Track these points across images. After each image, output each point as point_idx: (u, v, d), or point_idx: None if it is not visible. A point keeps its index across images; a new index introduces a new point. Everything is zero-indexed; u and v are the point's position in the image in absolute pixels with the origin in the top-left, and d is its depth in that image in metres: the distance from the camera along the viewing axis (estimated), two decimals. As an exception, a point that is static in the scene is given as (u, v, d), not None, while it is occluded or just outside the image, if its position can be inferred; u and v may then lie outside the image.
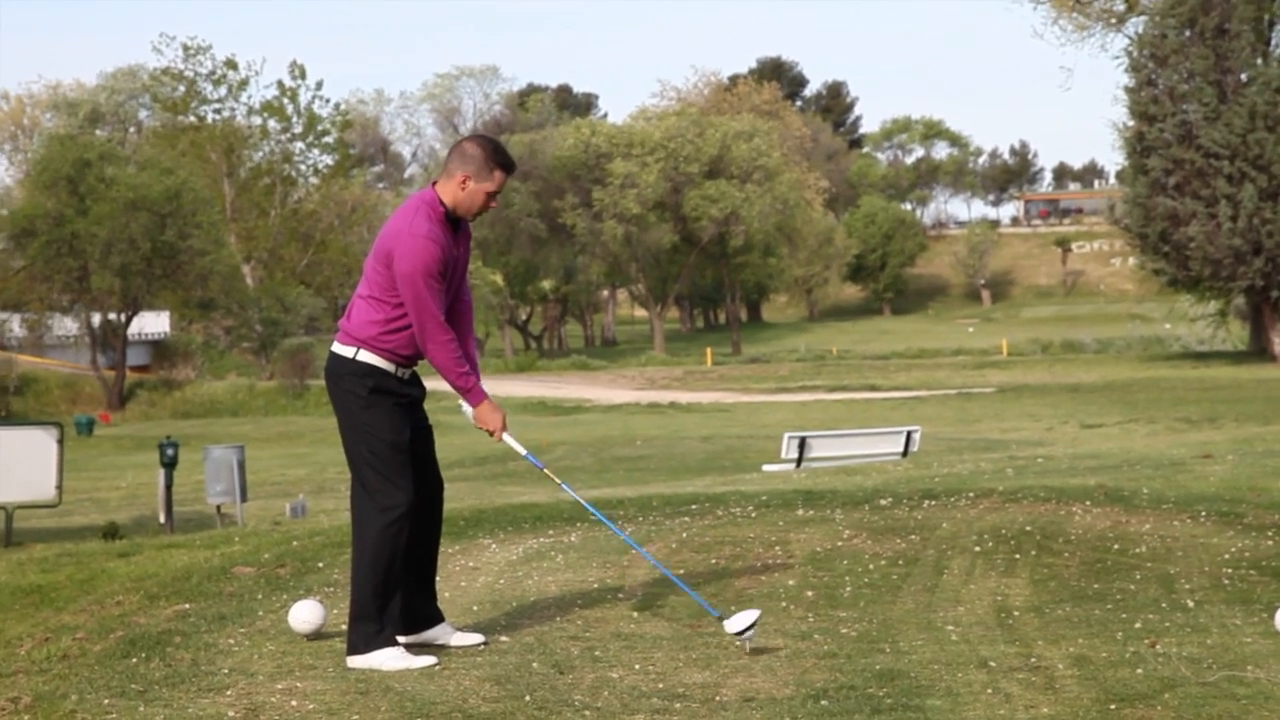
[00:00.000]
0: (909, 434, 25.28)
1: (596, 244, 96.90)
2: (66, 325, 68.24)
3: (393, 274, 7.10)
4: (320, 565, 9.63)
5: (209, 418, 60.24)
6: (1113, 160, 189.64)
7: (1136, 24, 69.76)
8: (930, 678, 6.48)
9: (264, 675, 6.79)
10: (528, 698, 6.28)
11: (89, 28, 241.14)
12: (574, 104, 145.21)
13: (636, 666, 6.85)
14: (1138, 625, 7.50)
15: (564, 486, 7.93)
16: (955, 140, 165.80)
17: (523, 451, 7.68)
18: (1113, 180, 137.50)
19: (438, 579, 7.72)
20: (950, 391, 59.75)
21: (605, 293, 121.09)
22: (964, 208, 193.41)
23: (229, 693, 6.47)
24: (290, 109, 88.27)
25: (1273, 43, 65.79)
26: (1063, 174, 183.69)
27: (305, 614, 7.57)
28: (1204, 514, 10.57)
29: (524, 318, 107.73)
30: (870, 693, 6.25)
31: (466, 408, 7.44)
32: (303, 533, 11.20)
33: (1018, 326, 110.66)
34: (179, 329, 79.68)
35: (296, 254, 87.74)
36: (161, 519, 22.48)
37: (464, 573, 9.31)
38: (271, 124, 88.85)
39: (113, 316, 65.89)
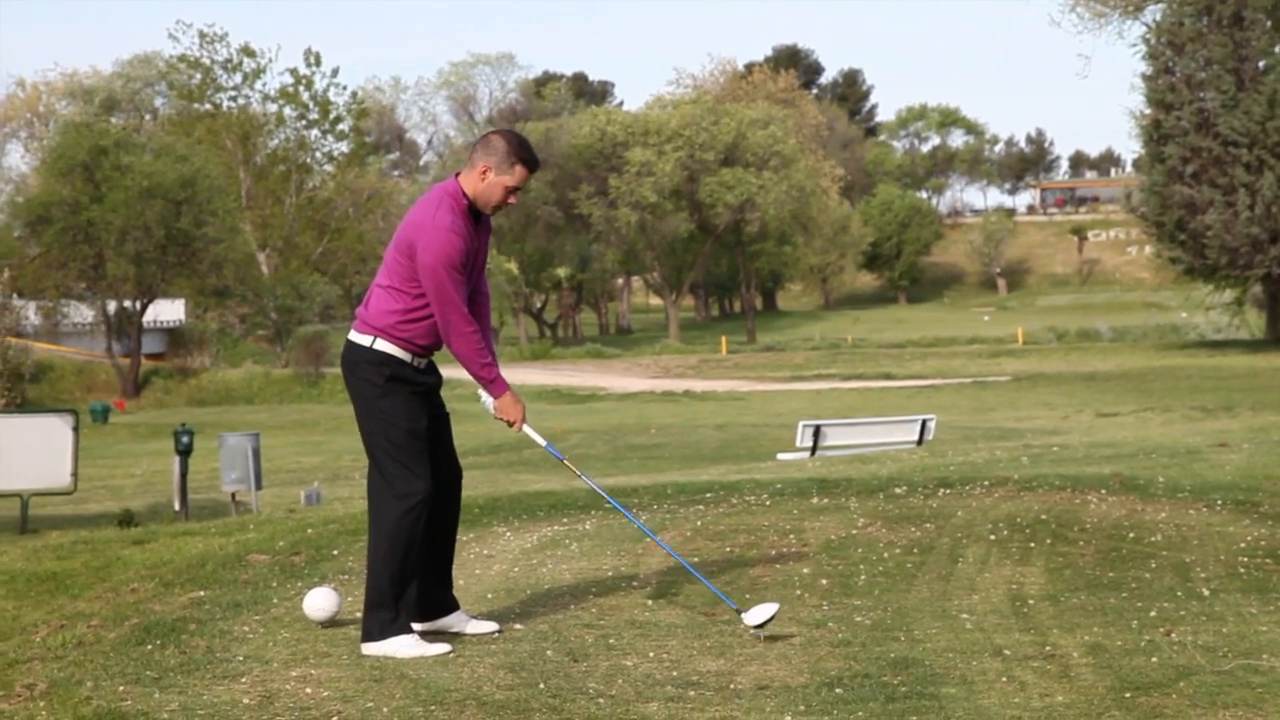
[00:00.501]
0: (924, 422, 25.27)
1: (612, 232, 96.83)
2: (82, 312, 68.35)
3: (414, 265, 7.10)
4: (335, 553, 9.64)
5: (224, 405, 60.32)
6: (1129, 148, 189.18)
7: (1154, 11, 69.60)
8: (945, 666, 6.47)
9: (279, 662, 6.80)
10: (542, 685, 6.28)
11: (105, 16, 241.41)
12: (590, 92, 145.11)
13: (651, 654, 6.84)
14: (1153, 614, 7.49)
15: (582, 476, 7.94)
16: (971, 128, 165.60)
17: (543, 443, 7.67)
18: (1129, 168, 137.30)
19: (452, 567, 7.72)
20: (965, 380, 59.69)
21: (620, 281, 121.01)
22: (980, 196, 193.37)
23: (244, 680, 6.47)
24: (306, 96, 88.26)
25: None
26: (1079, 162, 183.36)
27: (320, 601, 7.58)
28: (1220, 502, 10.55)
29: (539, 306, 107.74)
30: (885, 681, 6.24)
31: (487, 398, 7.44)
32: (317, 520, 11.21)
33: (1033, 315, 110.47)
34: (194, 316, 79.76)
35: (311, 242, 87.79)
36: (176, 506, 22.50)
37: (478, 560, 9.31)
38: (287, 111, 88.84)
39: (128, 304, 65.98)
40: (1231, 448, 15.97)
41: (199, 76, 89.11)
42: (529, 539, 10.03)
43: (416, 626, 7.25)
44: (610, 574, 8.82)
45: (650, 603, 8.03)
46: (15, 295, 65.71)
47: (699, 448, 34.37)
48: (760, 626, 7.08)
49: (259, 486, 22.65)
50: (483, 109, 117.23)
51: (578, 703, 6.02)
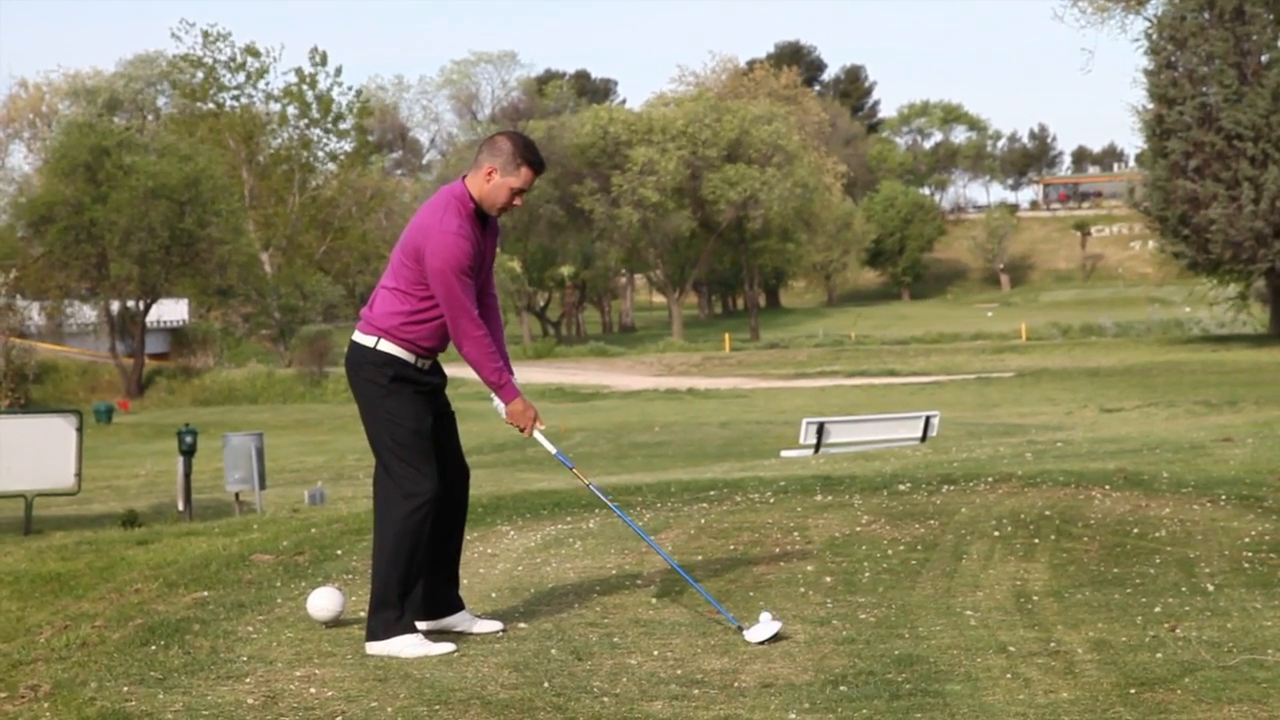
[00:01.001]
0: (928, 419, 25.27)
1: (614, 230, 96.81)
2: (85, 313, 68.32)
3: (421, 269, 7.10)
4: (339, 553, 9.65)
5: (227, 405, 60.33)
6: (1132, 143, 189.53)
7: (1156, 6, 69.52)
8: (949, 663, 6.47)
9: (283, 663, 6.80)
10: (546, 684, 6.28)
11: (107, 16, 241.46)
12: (592, 90, 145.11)
13: (655, 653, 6.84)
14: (1157, 609, 7.48)
15: (591, 487, 7.92)
16: (974, 124, 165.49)
17: (553, 450, 7.67)
18: (1132, 163, 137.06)
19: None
20: (969, 376, 59.66)
21: (623, 279, 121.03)
22: (983, 192, 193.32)
23: (248, 680, 6.48)
24: (310, 95, 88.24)
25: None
26: (1082, 157, 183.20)
27: (324, 601, 7.58)
28: (1224, 498, 10.55)
29: (542, 304, 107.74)
30: (889, 678, 6.24)
31: (498, 403, 7.43)
32: (321, 520, 11.22)
33: (1037, 311, 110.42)
34: (197, 316, 79.70)
35: (315, 241, 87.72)
36: (180, 507, 22.48)
37: (482, 559, 9.32)
38: (290, 110, 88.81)
39: (131, 304, 65.97)
40: (1236, 443, 15.97)
41: (201, 75, 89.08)
42: (533, 538, 10.03)
43: (421, 626, 7.26)
44: (614, 573, 8.82)
45: (654, 601, 8.03)
46: (19, 296, 65.71)
47: (703, 445, 34.35)
48: (761, 644, 7.06)
49: (263, 486, 22.62)
50: (485, 107, 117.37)
51: (582, 701, 6.01)
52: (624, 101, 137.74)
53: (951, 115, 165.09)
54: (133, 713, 5.97)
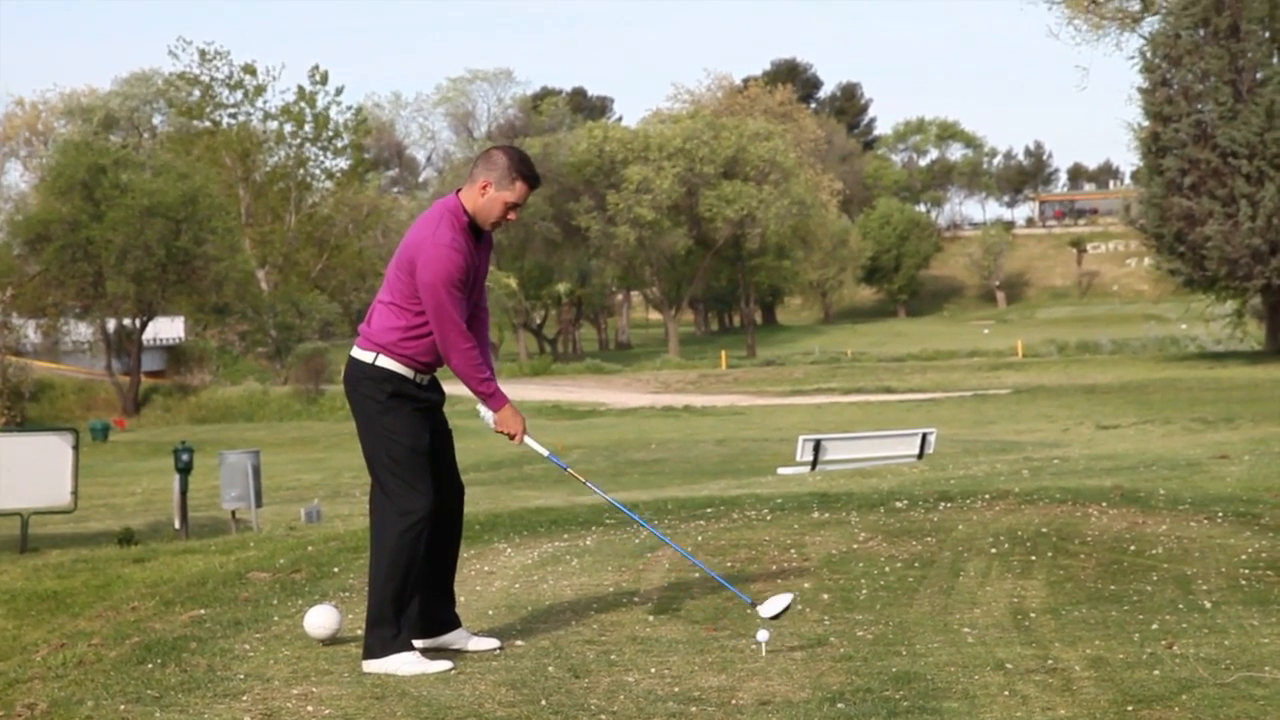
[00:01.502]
0: (924, 436, 25.26)
1: (610, 247, 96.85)
2: (81, 331, 68.36)
3: (415, 282, 7.10)
4: (335, 570, 9.64)
5: (224, 423, 60.33)
6: (1128, 160, 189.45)
7: (1152, 23, 69.66)
8: (947, 680, 6.46)
9: (280, 680, 6.79)
10: (543, 702, 6.27)
11: (104, 34, 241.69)
12: (588, 107, 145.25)
13: (652, 670, 6.84)
14: (1155, 626, 7.48)
15: (589, 484, 7.94)
16: (970, 141, 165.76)
17: (545, 453, 7.66)
18: (1128, 181, 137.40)
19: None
20: (965, 393, 59.67)
21: (619, 296, 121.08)
22: (979, 209, 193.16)
23: (245, 698, 6.47)
24: (308, 114, 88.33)
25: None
26: (1078, 174, 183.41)
27: (321, 619, 7.57)
28: (1221, 515, 10.55)
29: (538, 321, 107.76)
30: (887, 695, 6.24)
31: (486, 412, 7.43)
32: (318, 538, 11.22)
33: (1033, 328, 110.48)
34: (194, 334, 79.76)
35: (311, 259, 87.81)
36: (176, 524, 22.47)
37: (479, 577, 9.31)
38: (287, 128, 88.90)
39: (127, 322, 65.98)
40: (1232, 459, 15.97)
41: (198, 94, 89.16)
42: (530, 555, 10.03)
43: (418, 643, 7.25)
44: (611, 590, 8.81)
45: (652, 618, 8.02)
46: (15, 314, 65.75)
47: (699, 463, 34.35)
48: (775, 618, 7.08)
49: (259, 504, 22.61)
50: (481, 125, 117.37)
51: (579, 719, 6.01)
52: (620, 119, 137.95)
53: (947, 132, 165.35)
54: (129, 731, 5.97)
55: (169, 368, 73.02)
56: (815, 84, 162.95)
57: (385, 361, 7.20)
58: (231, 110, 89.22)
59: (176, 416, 62.99)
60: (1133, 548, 9.47)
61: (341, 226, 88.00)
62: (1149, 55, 65.21)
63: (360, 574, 9.35)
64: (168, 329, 75.22)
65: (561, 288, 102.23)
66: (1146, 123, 65.38)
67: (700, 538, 10.29)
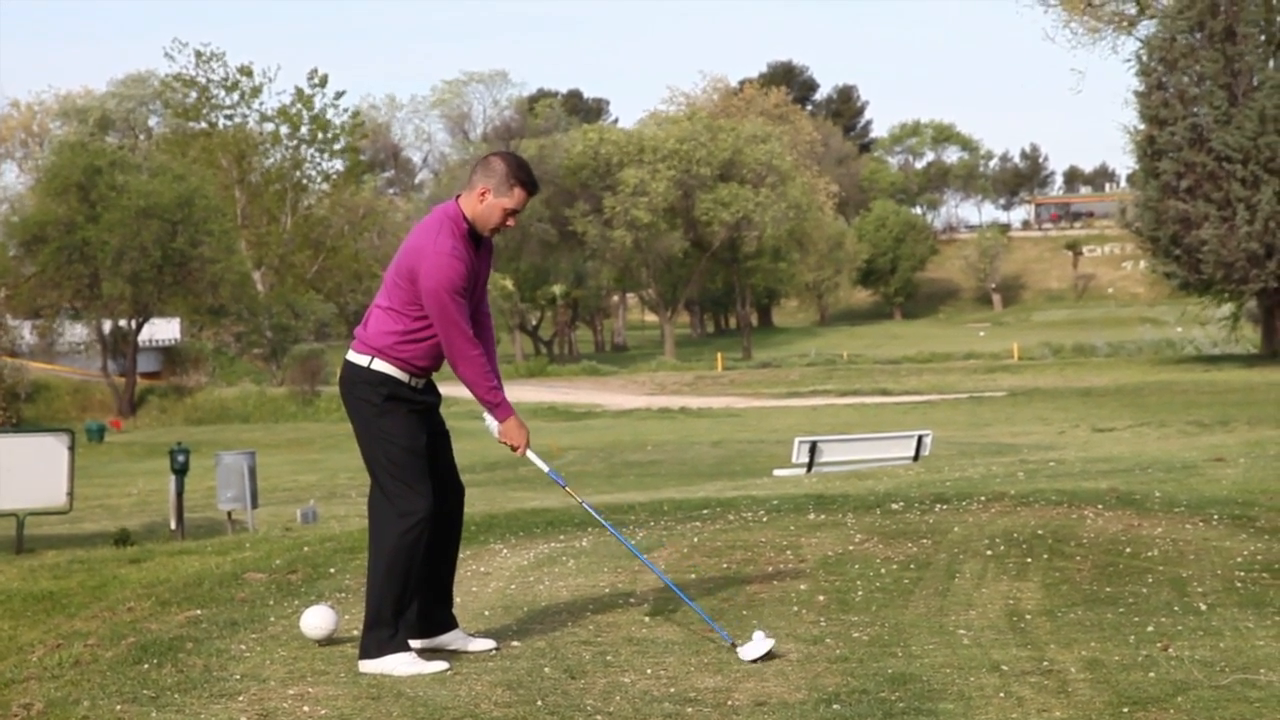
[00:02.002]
0: (920, 438, 25.25)
1: (607, 250, 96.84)
2: (77, 332, 68.27)
3: (415, 289, 7.11)
4: (332, 571, 9.64)
5: (220, 424, 60.28)
6: (1124, 163, 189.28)
7: (1148, 27, 69.69)
8: (942, 682, 6.47)
9: (276, 681, 6.79)
10: (539, 702, 6.28)
11: (99, 36, 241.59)
12: (584, 109, 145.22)
13: (648, 671, 6.84)
14: (1150, 629, 7.49)
15: (584, 504, 7.93)
16: (966, 144, 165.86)
17: (545, 468, 7.66)
18: (1124, 184, 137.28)
19: (449, 584, 7.71)
20: (961, 395, 59.68)
21: (615, 298, 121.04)
22: (975, 211, 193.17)
23: (241, 698, 6.47)
24: (305, 116, 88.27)
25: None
26: (1074, 177, 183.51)
27: (317, 619, 7.58)
28: (1216, 517, 10.56)
29: (534, 323, 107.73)
30: (882, 697, 6.24)
31: (491, 421, 7.43)
32: (314, 538, 11.22)
33: (1029, 330, 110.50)
34: (190, 335, 79.67)
35: (307, 260, 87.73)
36: (173, 525, 22.47)
37: (475, 578, 9.31)
38: (283, 130, 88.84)
39: (123, 323, 65.92)
40: (1228, 462, 15.98)
41: (194, 95, 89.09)
42: (526, 556, 10.03)
43: (414, 644, 7.25)
44: (607, 591, 8.82)
45: (648, 620, 8.03)
46: (10, 315, 65.68)
47: (695, 464, 34.35)
48: (754, 661, 7.05)
49: (255, 505, 22.61)
50: (477, 127, 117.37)
51: (575, 719, 6.01)
52: (616, 121, 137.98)
53: (943, 135, 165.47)
54: (126, 731, 5.97)
55: (165, 369, 72.93)
56: (811, 86, 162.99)
57: (380, 365, 7.21)
58: (227, 112, 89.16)
59: (172, 417, 62.92)
60: (1128, 550, 9.48)
61: (337, 228, 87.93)
62: (1145, 58, 65.23)
63: (356, 575, 9.35)
64: (163, 330, 75.13)
65: (557, 289, 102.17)
66: (1142, 126, 65.41)
67: (696, 539, 10.30)
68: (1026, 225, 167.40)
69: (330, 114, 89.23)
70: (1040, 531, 10.06)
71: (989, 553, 9.49)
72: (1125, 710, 5.93)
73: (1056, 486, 12.74)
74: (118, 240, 60.86)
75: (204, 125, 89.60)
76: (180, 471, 22.40)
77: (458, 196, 7.31)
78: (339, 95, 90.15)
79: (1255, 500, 11.45)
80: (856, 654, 7.09)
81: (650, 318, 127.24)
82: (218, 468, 22.86)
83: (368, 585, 7.23)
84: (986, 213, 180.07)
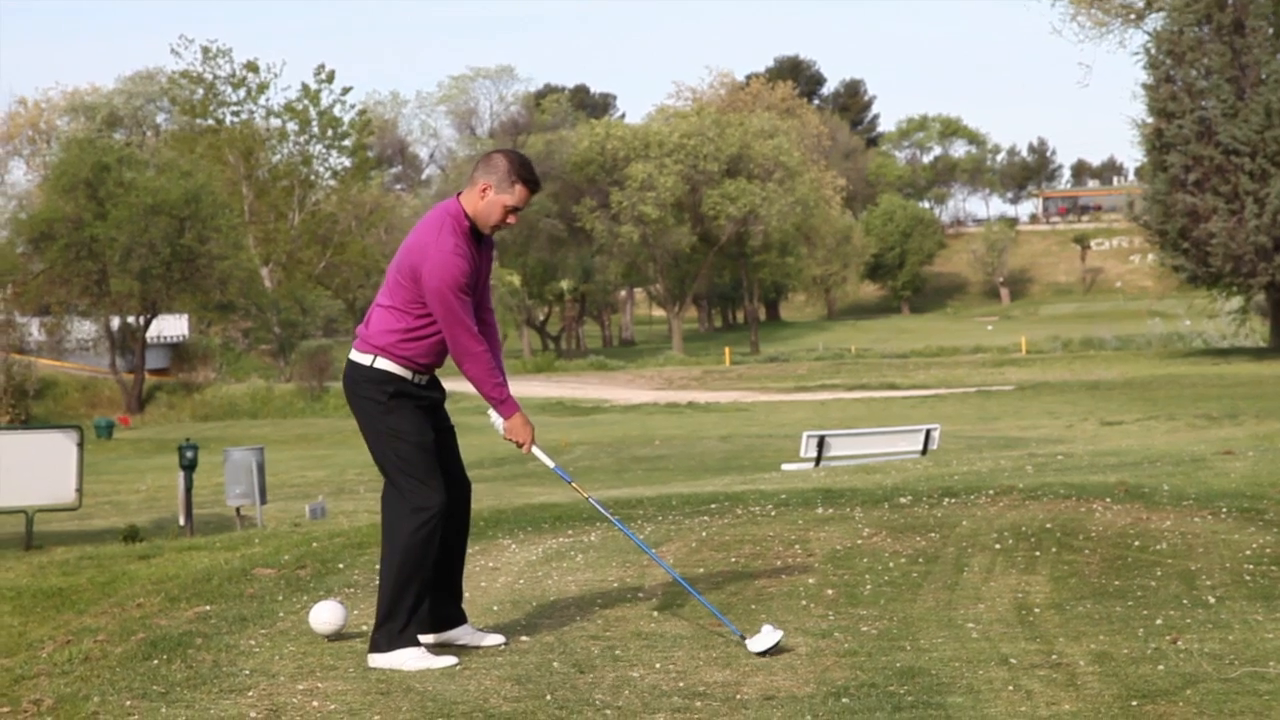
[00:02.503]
0: (928, 432, 25.24)
1: (614, 245, 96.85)
2: (85, 329, 68.30)
3: (418, 287, 7.11)
4: (340, 566, 9.65)
5: (228, 420, 60.31)
6: (1132, 157, 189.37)
7: (1155, 20, 69.62)
8: (951, 675, 6.47)
9: (285, 676, 6.80)
10: (548, 697, 6.28)
11: (106, 32, 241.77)
12: (591, 104, 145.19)
13: (657, 665, 6.85)
14: (1159, 622, 7.49)
15: (591, 500, 7.94)
16: (973, 138, 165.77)
17: (551, 464, 7.66)
18: (1132, 177, 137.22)
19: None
20: (969, 389, 59.63)
21: (623, 293, 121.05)
22: (982, 205, 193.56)
23: (250, 694, 6.48)
24: (312, 112, 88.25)
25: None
26: (1081, 171, 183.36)
27: (326, 615, 7.58)
28: (1225, 510, 10.55)
29: (542, 318, 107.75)
30: (891, 690, 6.24)
31: (496, 418, 7.43)
32: (322, 534, 11.22)
33: (1037, 324, 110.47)
34: (198, 331, 79.72)
35: (315, 256, 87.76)
36: (181, 521, 22.49)
37: (484, 573, 9.32)
38: (290, 126, 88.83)
39: (131, 320, 65.97)
40: (1236, 455, 15.95)
41: (201, 92, 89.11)
42: (534, 551, 10.03)
43: (424, 639, 7.26)
44: (616, 586, 8.82)
45: (656, 614, 8.03)
46: (19, 312, 65.72)
47: (703, 459, 34.34)
48: (763, 654, 7.05)
49: (263, 501, 22.63)
50: (484, 123, 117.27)
51: (584, 714, 6.02)
52: (623, 116, 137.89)
53: (950, 129, 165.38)
54: (135, 726, 5.98)
55: (173, 365, 72.98)
56: (819, 81, 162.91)
57: (384, 363, 7.22)
58: (235, 108, 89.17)
59: (181, 414, 62.96)
60: (1137, 543, 9.47)
61: (345, 224, 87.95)
62: (1152, 52, 65.19)
63: (365, 570, 9.37)
64: (172, 326, 75.19)
65: (565, 284, 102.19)
66: (1150, 119, 65.37)
67: (704, 534, 10.30)
68: (1034, 219, 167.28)
69: (338, 110, 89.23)
70: (1049, 525, 10.06)
71: (997, 546, 9.49)
72: (1134, 703, 5.93)
73: (1065, 480, 12.72)
74: (126, 237, 60.90)
75: (211, 122, 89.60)
76: (189, 467, 22.42)
77: (459, 194, 7.31)
78: (345, 91, 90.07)
79: (1264, 493, 11.44)
80: (865, 648, 7.09)
81: (658, 313, 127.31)
82: (226, 464, 22.88)
83: (380, 580, 7.24)
84: (994, 207, 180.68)
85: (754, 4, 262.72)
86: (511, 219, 7.30)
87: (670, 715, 5.99)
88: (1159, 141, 64.38)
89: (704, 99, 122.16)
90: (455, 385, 8.00)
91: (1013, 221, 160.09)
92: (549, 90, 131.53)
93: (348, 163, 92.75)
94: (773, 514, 11.11)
